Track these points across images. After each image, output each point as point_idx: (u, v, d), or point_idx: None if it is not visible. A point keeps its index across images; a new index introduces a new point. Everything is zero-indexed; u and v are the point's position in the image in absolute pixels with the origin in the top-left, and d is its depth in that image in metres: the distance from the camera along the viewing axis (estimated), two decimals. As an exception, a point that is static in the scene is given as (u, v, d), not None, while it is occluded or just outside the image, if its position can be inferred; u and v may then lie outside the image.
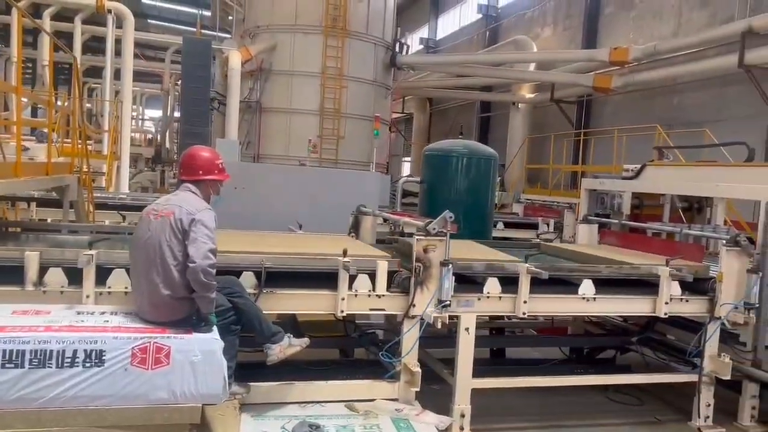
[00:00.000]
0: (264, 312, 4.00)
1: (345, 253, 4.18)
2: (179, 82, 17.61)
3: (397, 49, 16.98)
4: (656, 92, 15.65)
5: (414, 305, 4.28)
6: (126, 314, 3.57)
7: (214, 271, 3.45)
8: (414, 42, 28.03)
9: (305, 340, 4.08)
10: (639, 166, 6.77)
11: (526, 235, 10.03)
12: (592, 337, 6.22)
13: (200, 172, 3.77)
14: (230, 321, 3.76)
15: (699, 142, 11.84)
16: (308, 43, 15.23)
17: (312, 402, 4.16)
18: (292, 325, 4.95)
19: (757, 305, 4.81)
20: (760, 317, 4.85)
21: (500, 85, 21.25)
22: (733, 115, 13.46)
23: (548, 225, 10.69)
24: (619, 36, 16.89)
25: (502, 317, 5.91)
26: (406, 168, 27.60)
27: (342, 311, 4.21)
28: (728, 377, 4.90)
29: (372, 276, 4.29)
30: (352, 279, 4.22)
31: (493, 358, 6.24)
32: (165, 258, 3.44)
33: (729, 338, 5.17)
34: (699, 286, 5.03)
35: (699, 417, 5.00)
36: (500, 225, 10.38)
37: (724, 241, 4.96)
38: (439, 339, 5.08)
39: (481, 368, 4.96)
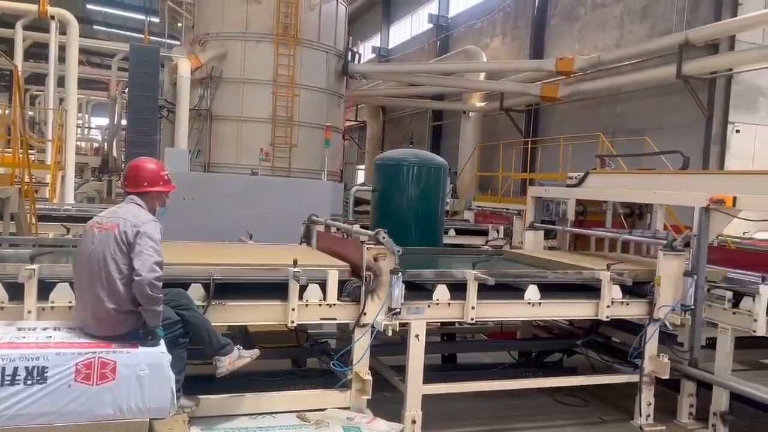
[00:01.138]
0: (214, 324, 3.98)
1: (295, 263, 4.19)
2: (126, 90, 17.25)
3: (349, 57, 17.06)
4: (600, 101, 16.17)
5: (365, 314, 4.32)
6: (70, 329, 3.50)
7: (160, 283, 3.42)
8: (366, 51, 28.19)
9: (255, 352, 4.07)
10: (582, 173, 6.99)
11: (476, 242, 10.20)
12: (540, 341, 6.38)
13: (145, 183, 3.74)
14: (178, 334, 3.73)
15: (641, 150, 12.29)
16: (259, 51, 15.16)
17: (263, 413, 4.14)
18: (243, 336, 4.93)
19: (693, 307, 5.03)
20: (695, 318, 5.07)
21: (452, 94, 21.58)
22: (673, 124, 14.03)
23: (498, 231, 10.88)
24: (565, 47, 17.38)
25: (453, 323, 6.03)
26: (360, 176, 27.66)
27: (293, 321, 4.21)
28: (667, 377, 5.11)
29: (323, 285, 4.31)
30: (302, 289, 4.23)
31: (445, 364, 6.33)
32: (110, 271, 3.40)
33: (668, 339, 5.38)
34: (639, 289, 5.23)
35: (641, 416, 5.19)
36: (452, 232, 10.53)
37: (661, 246, 5.17)
38: (391, 346, 5.14)
39: (432, 374, 5.05)
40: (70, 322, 3.61)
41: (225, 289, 4.12)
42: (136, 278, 3.34)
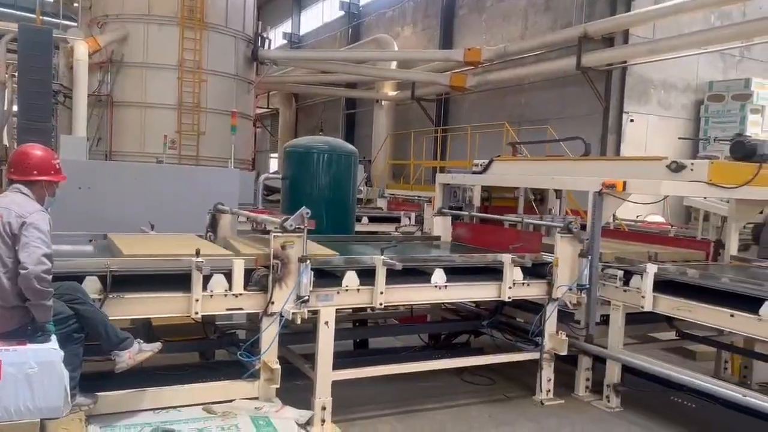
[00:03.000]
0: (113, 318, 3.82)
1: (198, 253, 4.08)
2: (17, 74, 16.09)
3: (258, 43, 16.70)
4: (506, 91, 16.70)
5: (272, 302, 4.27)
6: (-52, 329, 3.25)
7: (49, 277, 3.24)
8: (277, 37, 27.70)
9: (157, 345, 3.95)
10: (487, 161, 7.21)
11: (389, 229, 10.31)
12: (448, 323, 6.55)
13: (35, 172, 3.52)
14: (72, 329, 3.55)
15: (543, 138, 12.82)
16: (163, 35, 14.57)
17: (167, 408, 4.03)
18: (146, 330, 4.76)
19: (588, 286, 5.31)
20: (590, 296, 5.35)
21: (365, 82, 21.62)
22: (573, 114, 14.71)
23: (410, 218, 11.06)
24: (473, 37, 17.81)
25: (365, 309, 6.08)
26: (273, 164, 27.26)
27: (197, 313, 4.10)
28: (565, 353, 5.38)
29: (229, 275, 4.23)
30: (207, 279, 4.14)
31: (357, 350, 6.39)
32: (-7, 265, 3.18)
33: (566, 317, 5.67)
34: (539, 270, 5.48)
35: (541, 391, 5.45)
36: (365, 219, 10.59)
37: (559, 229, 5.43)
38: (303, 335, 5.12)
39: (343, 360, 5.07)
40: (-51, 321, 3.36)
41: (127, 282, 3.95)
42: (21, 272, 3.14)
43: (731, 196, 5.52)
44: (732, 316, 4.51)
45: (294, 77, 21.66)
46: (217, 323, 5.33)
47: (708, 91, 14.57)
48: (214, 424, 3.86)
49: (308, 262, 4.27)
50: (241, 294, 4.24)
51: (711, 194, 5.46)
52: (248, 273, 4.30)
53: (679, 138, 12.59)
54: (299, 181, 6.87)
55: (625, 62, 13.58)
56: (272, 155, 27.72)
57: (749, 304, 4.41)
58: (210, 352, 5.49)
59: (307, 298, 4.29)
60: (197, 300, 4.07)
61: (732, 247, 6.08)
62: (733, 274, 5.26)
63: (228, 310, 4.28)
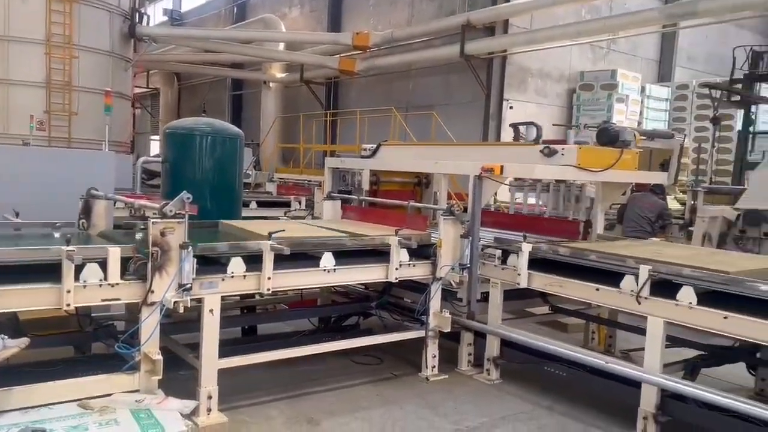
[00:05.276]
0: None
1: (68, 242, 3.84)
2: None
3: (136, 18, 15.79)
4: (394, 77, 16.95)
5: (152, 291, 4.10)
6: None
7: None
8: (157, 13, 26.32)
9: (24, 341, 3.67)
10: (375, 145, 7.30)
11: (278, 214, 10.18)
12: (337, 306, 6.61)
13: None
14: None
15: (429, 124, 13.16)
16: (28, 6, 13.42)
17: (38, 406, 3.77)
18: (13, 325, 4.42)
19: (469, 265, 5.56)
20: (472, 275, 5.61)
21: (251, 63, 21.09)
22: (458, 100, 15.21)
23: (300, 203, 10.98)
24: (361, 21, 17.87)
25: (253, 296, 5.99)
26: (155, 147, 26.00)
27: (69, 304, 3.86)
28: (449, 330, 5.61)
29: (104, 264, 4.01)
30: (79, 269, 3.90)
31: (245, 337, 6.29)
32: None
33: (449, 296, 5.90)
34: (424, 251, 5.65)
35: (427, 368, 5.66)
36: (253, 204, 10.37)
37: (442, 212, 5.62)
38: (190, 323, 4.96)
39: (231, 348, 5.00)
40: None
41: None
42: None
43: (597, 179, 5.96)
44: (597, 290, 4.90)
45: (176, 56, 20.73)
46: (93, 315, 5.05)
47: (579, 81, 15.59)
48: (90, 420, 3.67)
49: (190, 248, 4.14)
50: (117, 284, 4.03)
51: (579, 177, 5.87)
52: (125, 262, 4.11)
53: (554, 125, 13.37)
54: (180, 164, 6.59)
55: (505, 51, 14.20)
56: (153, 137, 26.42)
57: (613, 278, 4.80)
58: (86, 345, 5.20)
59: (189, 286, 4.16)
60: (69, 291, 3.83)
61: (599, 226, 6.58)
62: (601, 252, 5.69)
63: (104, 300, 4.06)
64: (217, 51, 18.66)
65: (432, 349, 5.67)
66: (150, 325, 4.13)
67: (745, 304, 4.05)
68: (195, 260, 4.22)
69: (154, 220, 4.09)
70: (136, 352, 4.12)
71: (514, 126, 6.58)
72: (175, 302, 4.11)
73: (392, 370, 5.82)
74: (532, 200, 8.09)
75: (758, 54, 11.18)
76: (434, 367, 5.69)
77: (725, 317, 4.08)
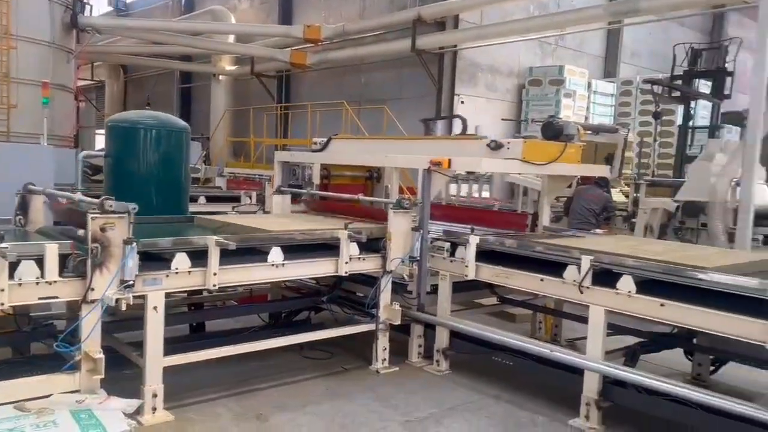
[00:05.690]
0: None
1: (2, 239, 3.69)
2: None
3: (78, 8, 15.25)
4: (347, 70, 16.90)
5: (93, 289, 3.99)
6: None
7: None
8: (101, 2, 25.51)
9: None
10: (326, 139, 7.27)
11: (228, 209, 10.03)
12: (288, 302, 6.57)
13: None
14: None
15: (381, 119, 13.17)
16: (-40, -7, 12.79)
17: (-30, 410, 3.64)
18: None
19: (419, 258, 5.60)
20: (421, 268, 5.65)
21: (200, 55, 20.67)
22: (410, 94, 15.27)
23: (251, 197, 10.83)
24: (312, 14, 17.74)
25: (201, 292, 5.90)
26: (101, 141, 25.22)
27: (3, 303, 3.72)
28: (399, 322, 5.64)
29: (41, 261, 3.88)
30: (14, 267, 3.76)
31: (193, 334, 6.19)
32: None
33: (400, 289, 5.93)
34: (375, 245, 5.66)
35: (377, 360, 5.68)
36: (202, 199, 10.19)
37: (392, 205, 5.64)
38: (135, 321, 4.84)
39: (177, 345, 4.91)
40: None
41: None
42: None
43: (541, 172, 6.08)
44: (542, 280, 5.00)
45: (121, 47, 20.14)
46: (32, 314, 4.88)
47: (528, 77, 15.86)
48: (27, 422, 3.55)
49: (134, 244, 4.04)
50: (55, 281, 3.91)
51: (525, 170, 5.99)
52: (64, 259, 3.98)
53: (502, 119, 13.58)
54: (124, 159, 6.43)
55: (456, 46, 14.33)
56: (99, 131, 25.60)
57: (557, 269, 4.91)
58: (25, 346, 5.02)
59: (132, 282, 4.06)
60: (2, 290, 3.69)
61: (545, 218, 6.72)
62: (546, 243, 5.81)
63: (41, 299, 3.93)
64: (164, 43, 18.21)
65: (382, 342, 5.69)
66: (90, 322, 4.02)
67: (696, 295, 4.12)
68: (138, 256, 4.12)
69: (94, 215, 3.97)
70: (77, 351, 4.01)
71: (424, 121, 6.68)
72: (117, 299, 4.01)
73: (343, 363, 5.81)
74: (485, 194, 8.23)
75: (697, 51, 11.58)
76: (385, 359, 5.72)
77: (662, 305, 4.23)
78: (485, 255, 5.49)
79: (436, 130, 5.88)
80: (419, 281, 5.71)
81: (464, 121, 6.19)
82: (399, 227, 5.60)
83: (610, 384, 4.58)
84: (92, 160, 9.31)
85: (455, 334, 5.70)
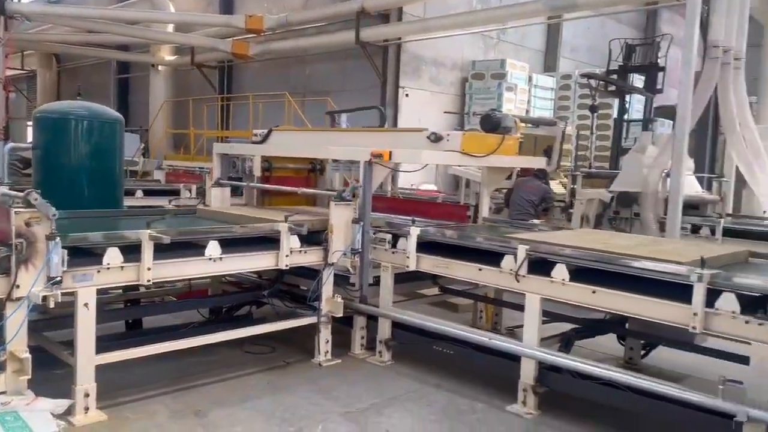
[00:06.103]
0: None
1: None
2: None
3: (5, -7, 14.56)
4: (290, 62, 16.71)
5: (18, 286, 3.83)
6: None
7: None
8: (32, -12, 24.34)
9: None
10: (266, 131, 7.16)
11: (166, 203, 9.79)
12: (228, 296, 6.46)
13: None
14: None
15: (325, 110, 13.08)
16: None
17: None
18: None
19: (361, 250, 5.59)
20: (363, 260, 5.65)
21: (138, 45, 20.04)
22: (354, 87, 15.21)
23: (191, 191, 10.60)
24: (254, 4, 17.43)
25: (137, 288, 5.74)
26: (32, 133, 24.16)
27: None
28: (341, 314, 5.63)
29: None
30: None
31: (129, 331, 6.02)
32: None
33: (342, 281, 5.91)
34: (316, 237, 5.62)
35: (320, 353, 5.65)
36: (139, 193, 9.92)
37: (333, 197, 5.61)
38: (67, 319, 4.66)
39: (112, 343, 4.77)
40: None
41: None
42: None
43: (480, 164, 6.16)
44: (480, 270, 5.08)
45: (54, 35, 19.33)
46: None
47: (471, 70, 16.05)
48: (-54, 428, 3.39)
49: (58, 239, 3.89)
50: (-26, 279, 3.74)
51: (464, 162, 6.06)
52: None
53: (445, 112, 13.70)
54: (54, 151, 6.19)
55: (400, 39, 14.36)
56: (30, 123, 24.57)
57: (496, 259, 5.00)
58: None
59: (59, 279, 3.91)
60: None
61: (484, 210, 6.82)
62: (485, 234, 5.91)
63: (-40, 298, 3.74)
64: (100, 32, 17.54)
65: (325, 335, 5.67)
66: (16, 321, 3.86)
67: (631, 283, 4.24)
68: (65, 252, 3.97)
69: (17, 209, 3.81)
70: (1, 352, 3.84)
71: (330, 113, 6.71)
72: (44, 297, 3.86)
73: (285, 357, 5.77)
74: (429, 186, 8.30)
75: (631, 47, 11.94)
76: (327, 352, 5.70)
77: (593, 291, 4.36)
78: (427, 246, 5.54)
79: (341, 123, 5.95)
80: (361, 273, 5.70)
81: (383, 113, 6.23)
82: (340, 219, 5.58)
83: (546, 370, 4.70)
84: (22, 153, 8.95)
85: (397, 325, 5.73)
